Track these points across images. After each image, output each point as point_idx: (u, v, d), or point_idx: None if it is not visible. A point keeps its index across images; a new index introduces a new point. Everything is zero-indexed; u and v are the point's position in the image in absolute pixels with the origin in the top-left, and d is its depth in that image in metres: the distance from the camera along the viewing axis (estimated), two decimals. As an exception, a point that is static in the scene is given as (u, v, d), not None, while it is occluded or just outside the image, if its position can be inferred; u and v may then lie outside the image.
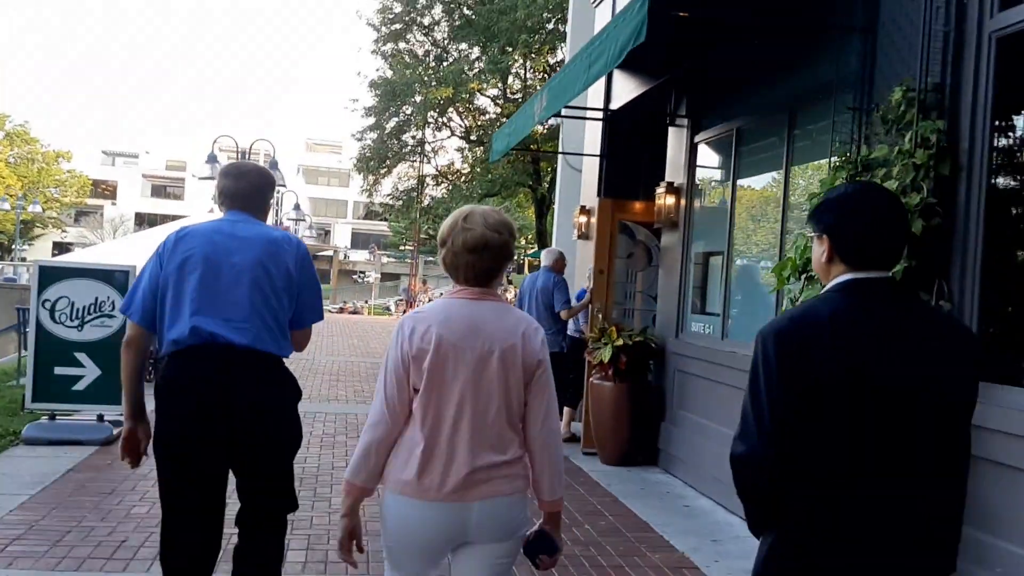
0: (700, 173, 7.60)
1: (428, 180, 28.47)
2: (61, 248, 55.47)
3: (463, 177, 27.64)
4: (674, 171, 7.85)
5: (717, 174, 7.49)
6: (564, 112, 9.94)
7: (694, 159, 7.61)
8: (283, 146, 64.42)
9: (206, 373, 3.05)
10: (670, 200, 7.65)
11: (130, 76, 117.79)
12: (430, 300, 33.16)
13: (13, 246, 53.25)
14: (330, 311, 42.63)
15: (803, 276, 4.92)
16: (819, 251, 2.06)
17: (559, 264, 8.35)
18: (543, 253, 8.60)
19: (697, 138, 7.56)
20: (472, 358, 2.44)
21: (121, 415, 7.94)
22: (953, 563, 1.99)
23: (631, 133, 9.60)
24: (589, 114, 10.64)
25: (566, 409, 8.35)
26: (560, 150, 13.45)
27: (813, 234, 2.10)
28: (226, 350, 3.05)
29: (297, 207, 29.92)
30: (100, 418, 7.68)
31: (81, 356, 7.61)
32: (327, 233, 74.44)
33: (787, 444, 1.88)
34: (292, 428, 3.28)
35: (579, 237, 10.40)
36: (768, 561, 1.98)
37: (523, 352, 2.48)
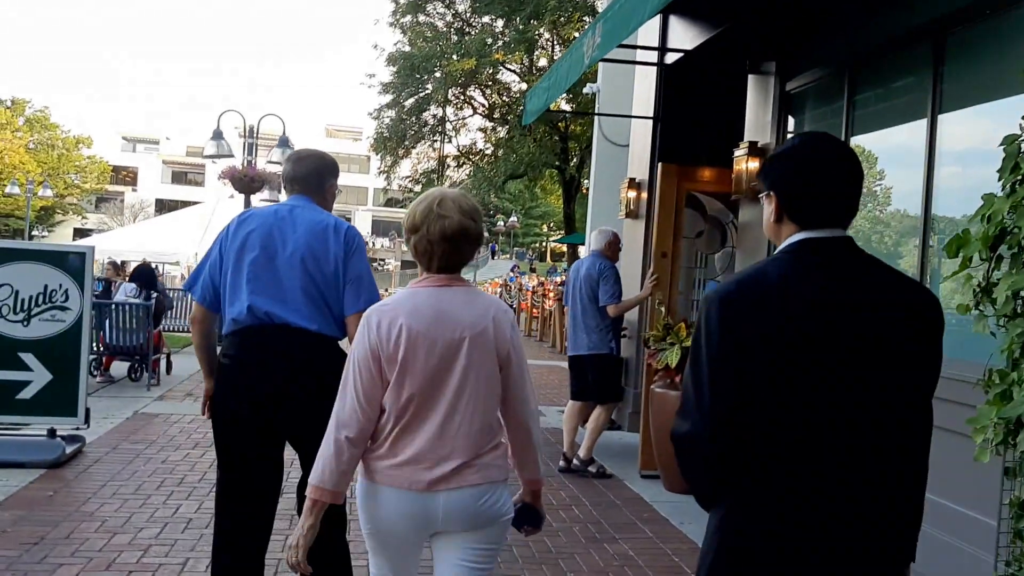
0: (795, 130, 6.06)
1: (449, 161, 26.98)
2: (81, 234, 54.75)
3: (485, 158, 26.11)
4: (757, 129, 6.32)
5: (819, 130, 5.96)
6: (616, 56, 8.43)
7: (785, 113, 6.08)
8: (302, 132, 63.58)
9: (262, 352, 3.16)
10: (753, 165, 6.13)
11: (151, 63, 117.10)
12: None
13: (33, 232, 52.82)
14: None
15: (995, 253, 3.40)
16: (768, 211, 1.90)
17: (611, 248, 6.76)
18: (593, 235, 6.95)
19: (790, 85, 6.02)
20: (442, 346, 2.37)
21: (76, 429, 6.69)
22: (911, 551, 1.84)
23: (692, 88, 8.11)
24: (639, 69, 9.13)
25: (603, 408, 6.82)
26: (599, 115, 11.93)
27: (762, 194, 1.92)
28: (281, 329, 3.13)
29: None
30: (51, 433, 6.31)
31: (27, 357, 6.23)
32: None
33: (730, 417, 1.73)
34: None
35: (627, 216, 8.90)
36: (713, 540, 1.82)
37: (495, 336, 2.42)
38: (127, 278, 9.95)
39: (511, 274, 36.34)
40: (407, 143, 25.58)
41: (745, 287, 1.78)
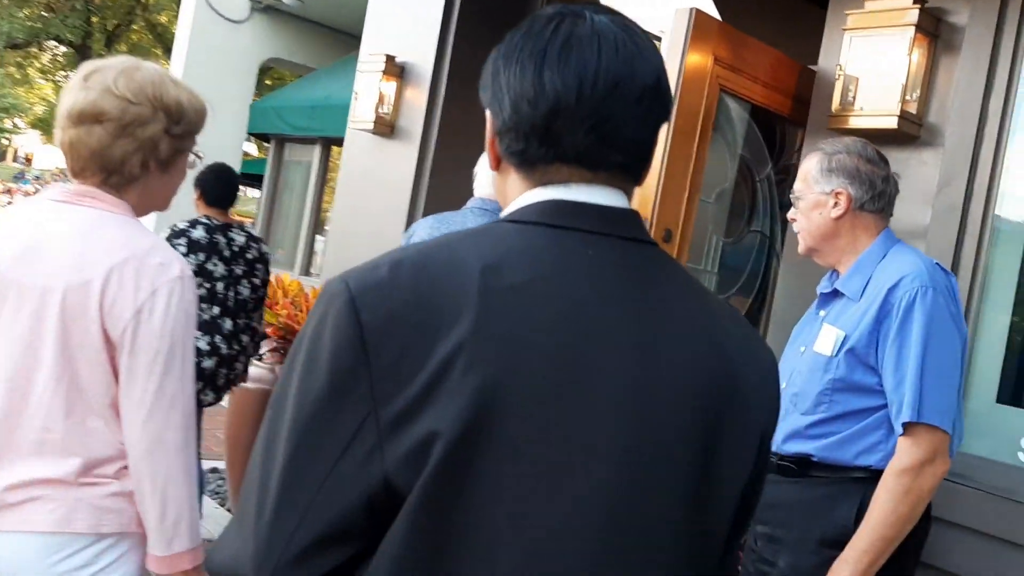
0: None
1: None
2: None
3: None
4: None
5: None
6: None
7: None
8: None
9: None
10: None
11: None
12: None
13: None
14: None
15: None
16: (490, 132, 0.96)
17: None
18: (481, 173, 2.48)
19: None
20: (17, 299, 1.50)
21: None
22: None
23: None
24: None
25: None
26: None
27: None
28: None
29: None
30: None
31: None
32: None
33: (325, 548, 0.81)
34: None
35: (375, 131, 4.65)
36: None
37: (103, 300, 1.48)
38: None
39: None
40: None
41: (400, 274, 0.83)
